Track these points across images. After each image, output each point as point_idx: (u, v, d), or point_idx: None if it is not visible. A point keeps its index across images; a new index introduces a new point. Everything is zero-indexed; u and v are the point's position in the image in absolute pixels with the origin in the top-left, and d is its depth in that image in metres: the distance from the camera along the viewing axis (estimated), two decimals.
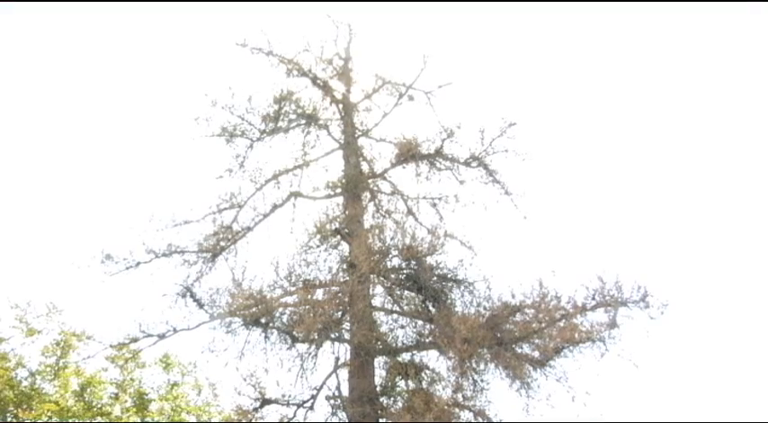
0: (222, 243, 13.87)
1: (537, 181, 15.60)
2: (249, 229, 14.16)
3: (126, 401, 16.13)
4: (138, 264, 13.57)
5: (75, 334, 16.10)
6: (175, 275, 13.40)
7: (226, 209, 14.35)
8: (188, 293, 12.75)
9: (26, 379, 15.58)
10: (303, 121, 15.49)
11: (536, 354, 11.66)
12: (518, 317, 11.65)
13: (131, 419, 15.97)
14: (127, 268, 13.55)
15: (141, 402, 15.91)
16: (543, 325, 11.41)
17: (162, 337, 12.67)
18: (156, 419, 15.86)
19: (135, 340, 12.91)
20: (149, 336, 12.66)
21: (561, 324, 11.42)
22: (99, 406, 15.90)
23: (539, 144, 15.52)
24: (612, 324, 11.47)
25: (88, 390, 15.87)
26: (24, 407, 14.92)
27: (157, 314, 12.73)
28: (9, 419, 14.82)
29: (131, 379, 16.32)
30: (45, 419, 15.27)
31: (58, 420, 15.37)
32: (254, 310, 11.95)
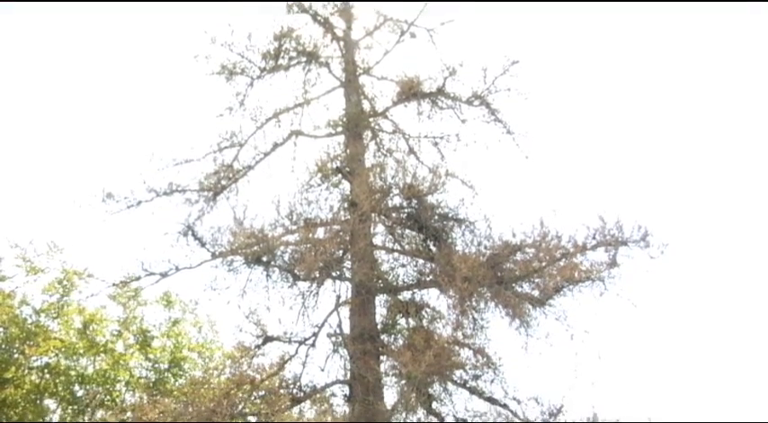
0: (223, 182, 13.83)
1: (539, 120, 15.50)
2: (250, 167, 14.09)
3: (128, 339, 16.32)
4: (140, 202, 13.54)
5: (77, 272, 16.19)
6: (177, 214, 13.40)
7: (226, 147, 14.26)
8: (189, 232, 12.73)
9: (30, 317, 15.72)
10: (303, 59, 15.28)
11: (536, 293, 11.73)
12: (518, 256, 11.69)
13: (134, 356, 16.17)
14: (128, 207, 13.53)
15: (144, 339, 16.09)
16: (543, 264, 11.45)
17: (164, 275, 12.72)
18: (158, 356, 16.07)
19: (137, 279, 12.97)
20: (151, 274, 12.70)
21: (561, 263, 11.46)
22: (102, 343, 16.08)
23: (541, 83, 15.37)
24: (612, 263, 11.51)
25: (91, 327, 16.02)
26: (30, 343, 15.10)
27: (159, 253, 12.76)
28: (16, 355, 15.03)
29: (134, 317, 16.48)
30: (50, 356, 15.48)
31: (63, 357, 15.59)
32: (255, 248, 11.99)
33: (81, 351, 15.82)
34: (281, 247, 12.26)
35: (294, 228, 12.38)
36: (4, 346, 15.08)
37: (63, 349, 15.58)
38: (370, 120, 14.65)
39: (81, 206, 13.28)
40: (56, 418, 15.50)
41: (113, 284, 13.42)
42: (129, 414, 11.34)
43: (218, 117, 15.01)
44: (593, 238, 11.53)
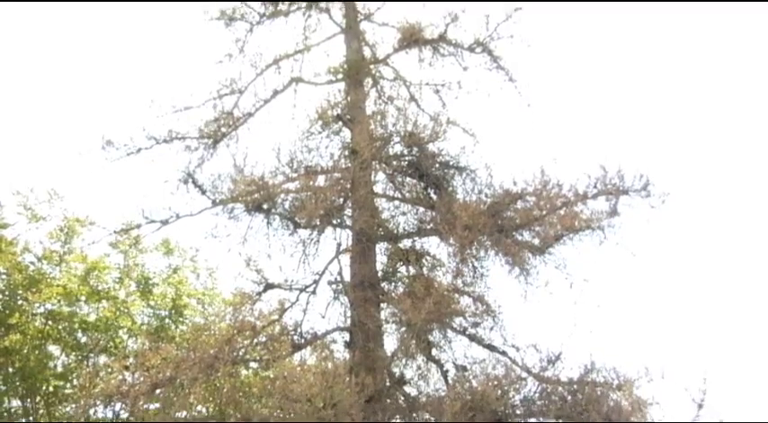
0: (223, 129, 13.73)
1: (542, 68, 15.34)
2: (250, 114, 13.97)
3: (130, 286, 16.41)
4: (139, 150, 13.47)
5: (78, 220, 16.20)
6: (177, 162, 13.33)
7: (226, 94, 14.13)
8: (190, 179, 12.68)
9: (33, 264, 15.79)
10: (303, 5, 15.04)
11: (536, 241, 11.75)
12: (519, 204, 11.68)
13: (136, 303, 16.28)
14: (128, 154, 13.46)
15: (145, 287, 16.18)
16: (544, 212, 11.44)
17: (165, 222, 12.71)
18: (159, 303, 16.17)
19: (137, 226, 12.97)
20: (152, 222, 12.68)
21: (562, 212, 11.46)
22: (104, 290, 16.18)
23: (544, 30, 15.17)
24: (613, 212, 11.51)
25: (93, 274, 16.10)
26: (33, 290, 15.19)
27: (159, 200, 12.73)
28: (19, 302, 15.13)
29: (135, 264, 16.54)
30: (53, 303, 15.59)
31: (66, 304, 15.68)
32: (255, 196, 11.96)
33: (83, 298, 15.92)
34: (282, 195, 12.24)
35: (295, 175, 12.34)
36: (7, 292, 15.17)
37: (65, 296, 15.67)
38: (371, 67, 14.48)
39: (81, 154, 13.21)
40: (59, 363, 15.68)
41: (114, 232, 13.43)
42: (131, 360, 11.42)
43: (217, 64, 14.87)
44: (594, 187, 11.51)
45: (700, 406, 9.55)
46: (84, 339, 15.70)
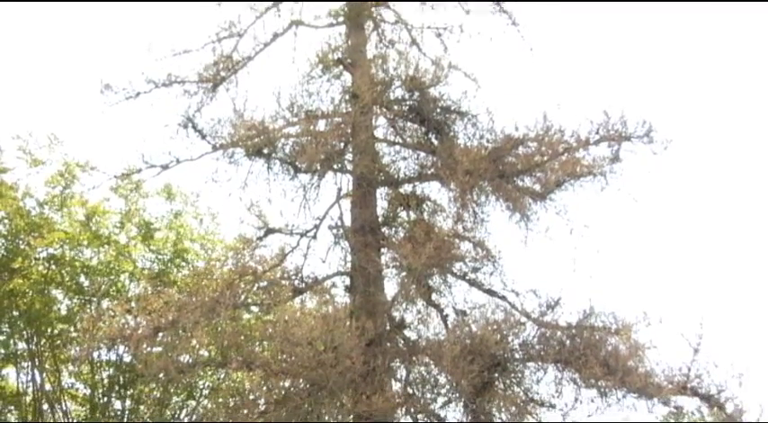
0: (223, 73, 13.54)
1: (545, 12, 15.08)
2: (250, 58, 13.76)
3: (131, 230, 16.45)
4: (138, 94, 13.32)
5: (78, 164, 16.15)
6: (176, 106, 13.22)
7: (225, 38, 13.87)
8: (189, 124, 12.57)
9: (34, 208, 15.80)
10: None
11: (537, 187, 11.72)
12: (520, 150, 11.59)
13: (137, 248, 16.35)
14: (126, 98, 13.32)
15: (146, 231, 16.22)
16: (545, 158, 11.37)
17: (165, 167, 12.66)
18: (161, 248, 16.23)
19: (138, 171, 12.93)
20: (152, 166, 12.63)
21: (564, 157, 11.38)
22: (106, 235, 16.22)
23: None
24: (615, 158, 11.45)
25: (94, 219, 16.13)
26: (35, 235, 15.24)
27: (159, 145, 12.66)
28: (22, 247, 15.19)
29: (136, 209, 16.55)
30: (55, 247, 15.65)
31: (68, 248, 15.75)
32: (256, 140, 11.88)
33: (85, 242, 15.98)
34: (282, 140, 12.17)
35: (295, 120, 12.24)
36: (9, 237, 15.23)
37: (67, 241, 15.73)
38: (372, 10, 14.22)
39: (79, 98, 13.10)
40: (63, 307, 15.82)
41: (115, 177, 13.39)
42: (133, 304, 11.52)
43: (216, 6, 14.60)
44: (597, 132, 11.42)
45: (696, 350, 9.65)
46: (86, 283, 15.80)
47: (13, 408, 15.01)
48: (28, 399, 15.03)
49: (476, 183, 10.99)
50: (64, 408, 15.17)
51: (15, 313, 14.85)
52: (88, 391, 15.32)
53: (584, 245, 11.70)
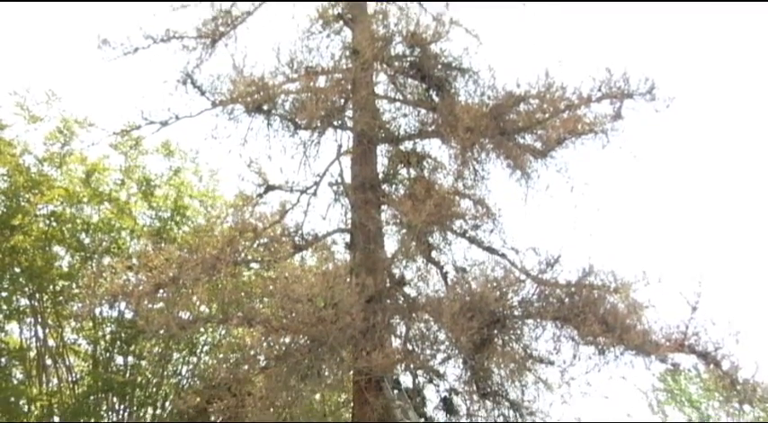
0: (221, 28, 13.38)
1: None
2: (249, 13, 13.59)
3: (131, 187, 16.42)
4: (136, 49, 13.18)
5: (77, 121, 16.04)
6: (175, 62, 13.09)
7: None
8: (188, 80, 12.46)
9: (33, 165, 15.73)
10: None
11: (538, 144, 11.68)
12: (522, 107, 11.52)
13: (137, 205, 16.34)
14: (125, 54, 13.18)
15: (146, 188, 16.19)
16: (547, 115, 11.31)
17: (164, 124, 12.59)
18: (161, 205, 16.21)
19: (137, 127, 12.87)
20: (151, 123, 12.56)
21: (565, 115, 11.31)
22: (106, 192, 16.20)
23: None
24: (617, 116, 11.37)
25: (94, 176, 16.08)
26: (35, 192, 15.20)
27: (159, 102, 12.59)
28: (22, 204, 15.16)
29: (135, 166, 16.49)
30: (56, 204, 15.63)
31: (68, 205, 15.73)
32: (255, 96, 11.78)
33: (85, 200, 15.96)
34: (282, 96, 12.07)
35: (295, 76, 12.13)
36: (9, 194, 15.19)
37: (67, 198, 15.71)
38: None
39: (77, 54, 12.98)
40: (65, 263, 15.86)
41: (114, 133, 13.33)
42: (134, 260, 11.54)
43: None
44: (599, 90, 11.32)
45: (694, 308, 9.69)
46: (87, 240, 15.81)
47: (17, 362, 15.13)
48: (32, 354, 15.16)
49: (476, 140, 10.94)
50: (67, 363, 15.30)
51: (17, 270, 14.88)
52: (90, 347, 15.44)
53: (584, 203, 11.69)
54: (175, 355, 15.68)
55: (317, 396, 12.14)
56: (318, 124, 11.88)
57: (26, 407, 14.22)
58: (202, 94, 12.29)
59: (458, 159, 11.29)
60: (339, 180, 12.29)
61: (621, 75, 11.26)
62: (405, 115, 12.94)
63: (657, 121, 11.39)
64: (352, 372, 10.38)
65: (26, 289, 15.04)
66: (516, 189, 11.92)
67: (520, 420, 10.85)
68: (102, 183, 16.17)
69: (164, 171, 16.71)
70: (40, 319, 15.18)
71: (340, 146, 12.33)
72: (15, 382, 14.76)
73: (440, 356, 10.70)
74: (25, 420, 14.25)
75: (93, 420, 14.39)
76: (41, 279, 14.81)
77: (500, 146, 11.35)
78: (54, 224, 15.49)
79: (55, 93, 15.98)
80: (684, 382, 29.31)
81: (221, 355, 14.43)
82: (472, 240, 11.65)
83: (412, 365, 10.65)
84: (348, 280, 10.16)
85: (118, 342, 15.15)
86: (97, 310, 14.37)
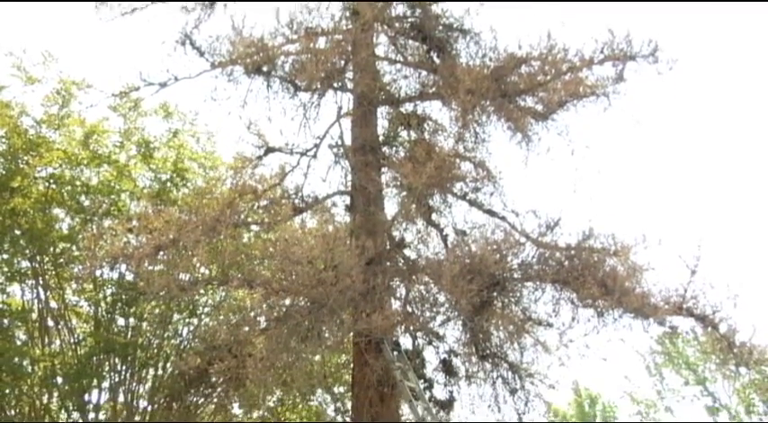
0: None
1: None
2: None
3: (131, 150, 16.36)
4: (134, 10, 13.09)
5: (75, 82, 15.92)
6: (173, 23, 12.97)
7: None
8: (187, 41, 12.34)
9: (32, 127, 15.65)
10: None
11: (539, 107, 11.62)
12: (523, 69, 11.43)
13: (137, 167, 16.30)
14: (122, 14, 13.09)
15: (146, 150, 16.13)
16: (548, 77, 11.22)
17: (163, 85, 12.51)
18: (160, 167, 16.17)
19: (136, 89, 12.82)
20: (150, 84, 12.49)
21: (567, 77, 11.24)
22: (105, 154, 16.14)
23: None
24: (619, 78, 11.30)
25: (93, 138, 16.01)
26: (33, 154, 15.15)
27: (157, 63, 12.49)
28: (21, 166, 15.11)
29: (135, 128, 16.41)
30: (55, 167, 15.58)
31: (68, 167, 15.68)
32: (255, 58, 11.70)
33: (85, 162, 15.91)
34: (282, 57, 11.98)
35: (294, 37, 12.02)
36: (8, 156, 15.13)
37: (67, 160, 15.65)
38: None
39: (74, 14, 12.84)
40: (65, 226, 15.86)
41: (112, 95, 13.27)
42: (134, 223, 11.53)
43: None
44: (601, 52, 11.23)
45: (693, 272, 9.71)
46: (87, 203, 15.79)
47: (19, 324, 15.22)
48: (34, 315, 15.25)
49: (477, 102, 10.85)
50: (69, 324, 15.39)
51: (17, 232, 14.89)
52: (92, 309, 15.51)
53: (585, 166, 11.66)
54: (176, 317, 15.77)
55: (317, 357, 12.21)
56: (318, 86, 11.80)
57: (29, 367, 14.33)
58: (201, 55, 12.19)
59: (458, 121, 11.21)
60: (339, 142, 12.25)
61: (624, 37, 11.17)
62: (405, 77, 12.86)
63: (660, 83, 11.33)
64: (351, 333, 10.44)
65: (27, 251, 15.06)
66: (517, 152, 11.91)
67: (518, 382, 10.96)
68: (102, 145, 16.10)
69: (163, 133, 16.63)
70: (41, 281, 15.23)
71: (340, 108, 12.27)
72: (18, 343, 14.86)
73: (439, 318, 10.76)
74: (29, 381, 14.37)
75: (95, 381, 14.52)
76: (42, 241, 14.83)
77: (501, 108, 11.27)
78: (53, 186, 15.46)
79: (52, 54, 15.86)
80: (682, 345, 29.58)
81: (222, 317, 14.50)
82: (472, 203, 11.64)
83: (411, 327, 10.72)
84: (348, 242, 10.17)
85: (119, 304, 15.22)
86: (98, 272, 14.42)
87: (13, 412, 14.13)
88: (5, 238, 14.75)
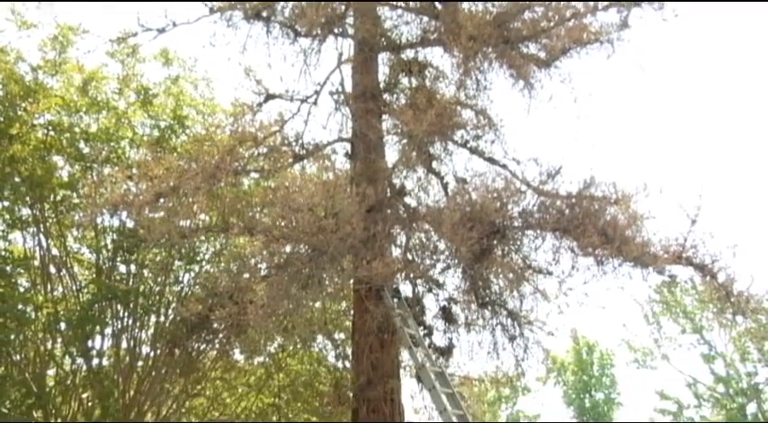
0: None
1: None
2: None
3: (129, 96, 16.19)
4: None
5: (71, 28, 15.68)
6: None
7: None
8: None
9: (28, 74, 15.46)
10: None
11: (542, 54, 11.49)
12: (526, 15, 11.24)
13: (136, 114, 16.16)
14: None
15: (145, 97, 15.96)
16: (552, 24, 11.07)
17: (161, 31, 12.41)
18: (159, 114, 16.02)
19: (134, 34, 12.69)
20: (148, 30, 12.38)
21: (570, 23, 11.08)
22: (104, 100, 15.98)
23: None
24: (624, 25, 11.16)
25: (91, 84, 15.83)
26: (31, 100, 15.00)
27: (155, 9, 12.31)
28: (19, 113, 14.97)
29: (133, 74, 16.21)
30: (53, 113, 15.44)
31: (66, 114, 15.54)
32: (254, 2, 11.57)
33: (83, 109, 15.76)
34: (281, 2, 11.83)
35: None
36: (5, 103, 14.98)
37: (65, 107, 15.50)
38: None
39: None
40: (65, 173, 15.80)
41: (110, 40, 13.13)
42: (134, 170, 11.51)
43: None
44: None
45: (693, 221, 9.71)
46: (86, 150, 15.69)
47: (22, 271, 15.27)
48: (36, 263, 15.29)
49: (479, 49, 10.72)
50: (71, 272, 15.45)
51: (17, 180, 14.84)
52: (93, 256, 15.55)
53: (587, 114, 11.59)
54: (177, 264, 15.83)
55: (318, 304, 12.30)
56: (318, 31, 11.67)
57: (33, 314, 14.43)
58: None
59: (460, 68, 11.09)
60: (340, 89, 12.16)
61: None
62: (406, 23, 12.68)
63: (665, 30, 11.16)
64: (352, 281, 10.51)
65: (27, 198, 15.03)
66: (519, 99, 11.81)
67: (517, 329, 11.06)
68: (100, 91, 15.92)
69: (162, 79, 16.45)
70: (42, 229, 15.23)
71: (341, 54, 12.17)
72: (21, 289, 14.94)
73: (439, 266, 10.80)
74: (33, 327, 14.50)
75: (98, 327, 14.64)
76: (42, 188, 14.78)
77: (503, 55, 11.14)
78: (52, 133, 15.34)
79: None
80: (680, 294, 29.82)
81: (222, 264, 14.57)
82: (473, 151, 11.59)
83: (412, 275, 10.78)
84: (348, 189, 10.17)
85: (120, 251, 15.25)
86: (98, 220, 14.43)
87: (18, 357, 14.29)
88: (6, 186, 14.70)
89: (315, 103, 12.04)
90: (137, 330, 15.21)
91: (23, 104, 14.93)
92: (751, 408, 29.56)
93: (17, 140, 14.71)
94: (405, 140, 11.05)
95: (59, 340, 14.82)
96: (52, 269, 15.29)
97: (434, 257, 10.75)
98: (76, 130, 15.50)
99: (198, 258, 15.93)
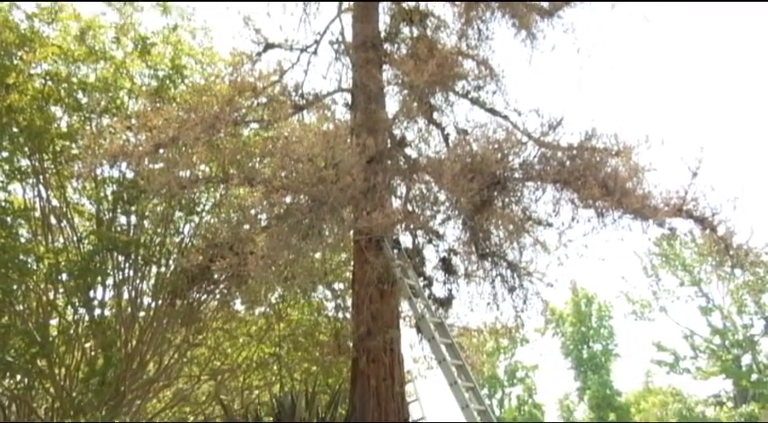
0: None
1: None
2: None
3: (127, 46, 15.99)
4: None
5: None
6: None
7: None
8: None
9: (23, 22, 15.22)
10: None
11: (545, 3, 11.37)
12: None
13: (134, 64, 15.97)
14: None
15: (143, 46, 15.76)
16: None
17: None
18: (158, 63, 15.83)
19: None
20: None
21: None
22: (101, 50, 15.78)
23: None
24: None
25: (89, 34, 15.61)
26: (27, 49, 14.80)
27: None
28: (15, 62, 14.79)
29: (131, 23, 15.97)
30: (50, 63, 15.26)
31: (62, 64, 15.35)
32: None
33: (81, 58, 15.56)
34: None
35: None
36: (1, 52, 14.78)
37: (62, 56, 15.29)
38: None
39: None
40: (63, 123, 15.68)
41: None
42: (133, 121, 11.43)
43: None
44: None
45: (694, 174, 9.68)
46: (85, 100, 15.55)
47: (22, 222, 15.26)
48: (36, 214, 15.27)
49: None
50: (71, 222, 15.44)
51: (16, 130, 14.72)
52: (94, 207, 15.52)
53: (590, 65, 11.48)
54: (177, 215, 15.81)
55: (318, 255, 12.32)
56: None
57: (34, 264, 14.48)
58: None
59: (461, 18, 10.97)
60: (340, 38, 12.03)
61: None
62: None
63: None
64: (352, 231, 10.53)
65: (26, 149, 14.94)
66: (521, 50, 11.68)
67: (517, 280, 11.11)
68: (98, 41, 15.71)
69: (160, 29, 16.21)
70: (41, 180, 15.18)
71: (341, 3, 11.99)
72: (22, 240, 14.96)
73: (439, 217, 10.82)
74: (35, 277, 14.56)
75: (99, 278, 14.70)
76: (41, 139, 14.67)
77: (505, 5, 11.00)
78: (50, 83, 15.18)
79: None
80: (679, 247, 29.94)
81: (223, 215, 14.55)
82: (474, 102, 11.51)
83: (412, 226, 10.79)
84: (349, 140, 10.12)
85: (120, 202, 15.22)
86: (98, 170, 14.36)
87: (21, 307, 14.39)
88: (4, 136, 14.60)
89: (315, 52, 11.93)
90: (138, 281, 15.26)
91: (20, 53, 14.73)
92: (746, 359, 29.96)
93: (14, 90, 14.55)
94: (405, 91, 10.97)
95: (61, 290, 14.90)
96: (53, 220, 15.28)
97: (435, 208, 10.76)
98: (74, 79, 15.33)
99: (198, 209, 15.90)
